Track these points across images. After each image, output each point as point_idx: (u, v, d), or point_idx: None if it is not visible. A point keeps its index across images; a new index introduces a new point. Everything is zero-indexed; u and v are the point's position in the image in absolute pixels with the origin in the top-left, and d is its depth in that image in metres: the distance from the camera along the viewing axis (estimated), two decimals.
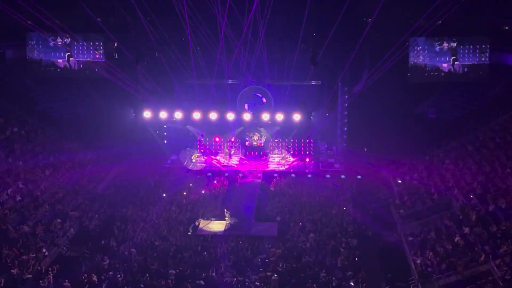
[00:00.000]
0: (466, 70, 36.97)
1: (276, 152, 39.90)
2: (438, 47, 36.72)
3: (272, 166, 38.17)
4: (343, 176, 34.87)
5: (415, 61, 36.77)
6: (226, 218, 29.09)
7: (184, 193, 32.86)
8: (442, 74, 37.14)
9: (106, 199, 32.06)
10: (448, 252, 23.43)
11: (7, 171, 29.50)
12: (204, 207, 30.74)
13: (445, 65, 36.95)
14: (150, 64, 36.89)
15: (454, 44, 36.75)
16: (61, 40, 37.38)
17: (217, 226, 28.64)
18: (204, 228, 28.43)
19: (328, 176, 35.06)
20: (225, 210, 29.60)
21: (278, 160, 39.03)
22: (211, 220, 29.26)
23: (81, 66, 37.61)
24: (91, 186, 32.68)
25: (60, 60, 37.63)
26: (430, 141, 34.86)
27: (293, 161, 38.76)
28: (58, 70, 37.70)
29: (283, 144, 39.88)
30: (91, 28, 36.19)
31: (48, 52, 37.55)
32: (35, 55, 37.57)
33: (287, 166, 38.07)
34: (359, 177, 34.79)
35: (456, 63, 36.96)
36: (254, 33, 31.82)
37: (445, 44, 36.81)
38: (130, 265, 24.21)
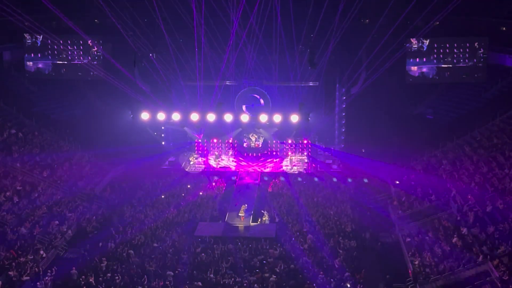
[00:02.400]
0: (463, 70, 37.08)
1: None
2: (435, 48, 36.79)
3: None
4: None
5: (413, 62, 36.85)
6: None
7: (183, 195, 32.85)
8: (440, 75, 37.21)
9: (104, 201, 32.01)
10: (446, 253, 23.44)
11: (4, 172, 29.46)
12: (202, 208, 30.77)
13: (442, 66, 37.04)
14: (147, 65, 36.87)
15: (452, 45, 36.84)
16: (56, 42, 37.38)
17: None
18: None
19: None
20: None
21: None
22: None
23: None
24: (89, 187, 32.62)
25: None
26: (428, 142, 34.89)
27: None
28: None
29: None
30: (88, 30, 36.17)
31: (44, 55, 37.58)
32: (30, 56, 37.62)
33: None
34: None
35: (453, 64, 37.06)
36: (252, 34, 31.88)
37: (442, 45, 36.90)
38: (128, 267, 24.16)
